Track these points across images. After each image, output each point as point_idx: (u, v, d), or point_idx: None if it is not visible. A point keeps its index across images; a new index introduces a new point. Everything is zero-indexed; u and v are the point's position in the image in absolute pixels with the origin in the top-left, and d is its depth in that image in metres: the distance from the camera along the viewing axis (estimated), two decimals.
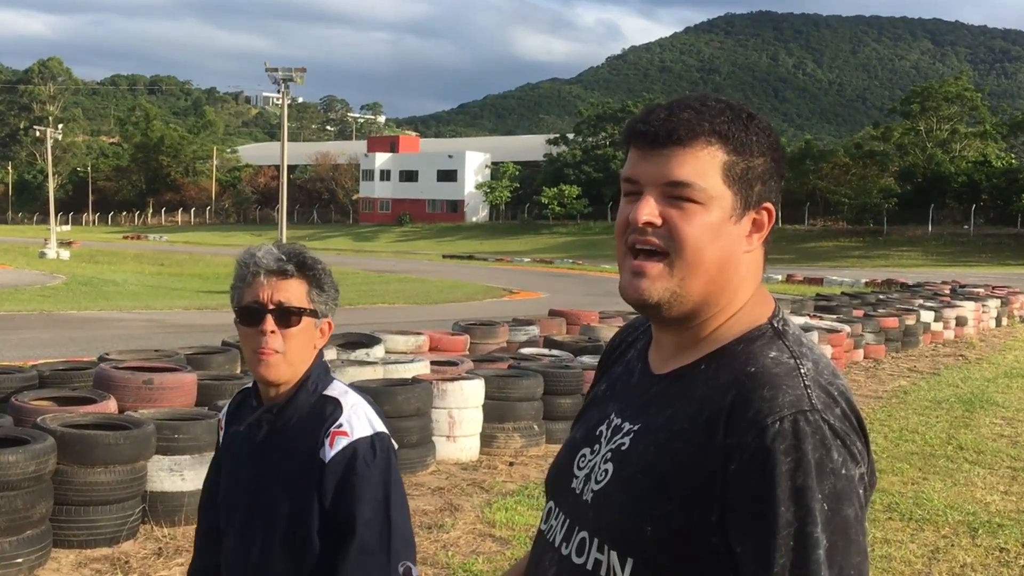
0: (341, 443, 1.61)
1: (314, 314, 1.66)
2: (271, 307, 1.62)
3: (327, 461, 1.61)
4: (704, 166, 1.08)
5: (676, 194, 1.08)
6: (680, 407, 1.09)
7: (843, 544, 0.98)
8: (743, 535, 1.00)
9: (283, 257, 1.63)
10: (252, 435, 1.70)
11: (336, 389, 1.71)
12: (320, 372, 1.70)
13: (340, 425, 1.63)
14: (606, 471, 1.12)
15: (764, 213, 1.12)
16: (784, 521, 0.97)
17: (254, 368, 1.66)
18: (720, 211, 1.08)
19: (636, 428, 1.12)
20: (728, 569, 1.02)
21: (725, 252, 1.09)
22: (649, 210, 1.08)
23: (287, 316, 1.63)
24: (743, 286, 1.12)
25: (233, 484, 1.73)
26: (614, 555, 1.07)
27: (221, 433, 1.82)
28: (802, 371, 1.05)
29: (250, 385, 1.78)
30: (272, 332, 1.62)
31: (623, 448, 1.12)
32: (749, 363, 1.07)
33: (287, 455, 1.65)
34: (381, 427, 1.66)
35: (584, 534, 1.11)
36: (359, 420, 1.64)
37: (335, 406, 1.66)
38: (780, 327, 1.12)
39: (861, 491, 1.01)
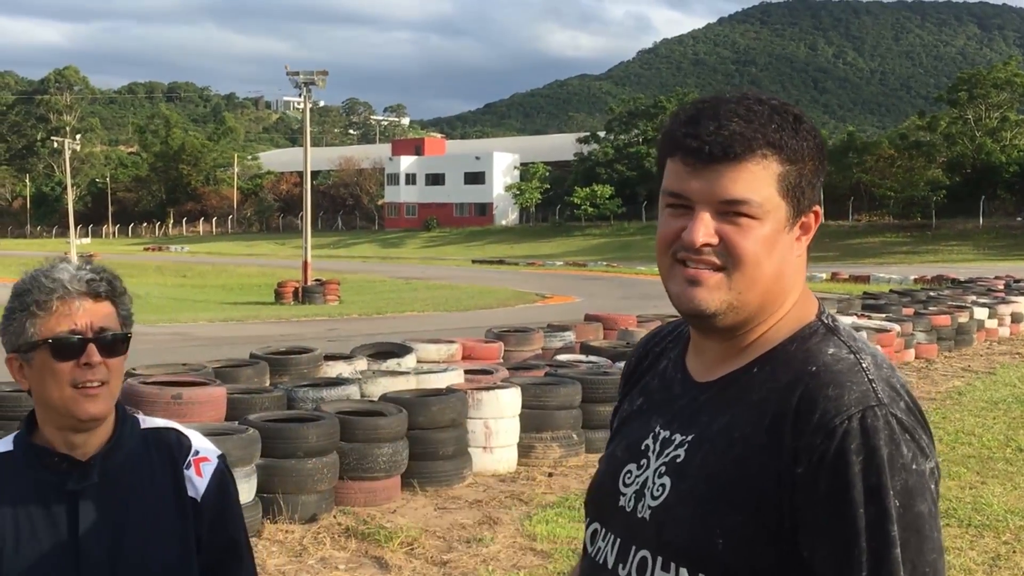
0: (208, 470, 1.48)
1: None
2: (92, 335, 1.39)
3: (201, 494, 1.46)
4: (759, 180, 1.05)
5: (732, 210, 1.05)
6: (738, 413, 1.06)
7: (916, 541, 0.96)
8: (816, 539, 0.98)
9: (95, 277, 1.41)
10: (75, 498, 1.40)
11: (153, 420, 1.54)
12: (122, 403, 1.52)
13: (198, 452, 1.49)
14: (663, 486, 1.09)
15: (812, 216, 1.11)
16: (864, 523, 0.96)
17: (76, 408, 1.37)
18: (775, 223, 1.07)
19: (690, 438, 1.09)
20: (805, 575, 0.99)
21: (780, 262, 1.08)
22: (706, 230, 1.05)
23: (112, 344, 1.40)
24: (792, 289, 1.11)
25: (52, 571, 1.38)
26: (683, 572, 1.04)
27: None
28: (863, 365, 1.03)
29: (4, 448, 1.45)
30: (99, 363, 1.38)
31: (678, 460, 1.08)
32: (809, 362, 1.05)
33: (141, 504, 1.42)
34: (216, 447, 1.57)
35: (645, 553, 1.08)
36: (206, 443, 1.53)
37: (178, 435, 1.50)
38: (831, 323, 1.10)
39: (932, 486, 1.00)
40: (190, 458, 1.48)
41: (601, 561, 1.14)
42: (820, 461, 0.98)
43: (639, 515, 1.10)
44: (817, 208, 1.11)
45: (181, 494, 1.46)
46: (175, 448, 1.48)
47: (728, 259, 1.06)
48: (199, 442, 1.52)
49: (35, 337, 1.39)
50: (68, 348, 1.38)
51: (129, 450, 1.45)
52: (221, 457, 1.53)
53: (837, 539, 0.97)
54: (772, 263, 1.07)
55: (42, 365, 1.39)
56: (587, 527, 1.20)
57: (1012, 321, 15.25)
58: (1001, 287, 18.95)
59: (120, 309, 1.44)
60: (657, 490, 1.09)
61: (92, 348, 1.38)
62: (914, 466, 0.98)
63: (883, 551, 0.95)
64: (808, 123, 1.09)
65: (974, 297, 16.09)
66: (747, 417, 1.05)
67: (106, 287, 1.42)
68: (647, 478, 1.11)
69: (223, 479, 1.50)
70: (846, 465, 0.97)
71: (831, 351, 1.05)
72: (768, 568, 1.00)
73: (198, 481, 1.47)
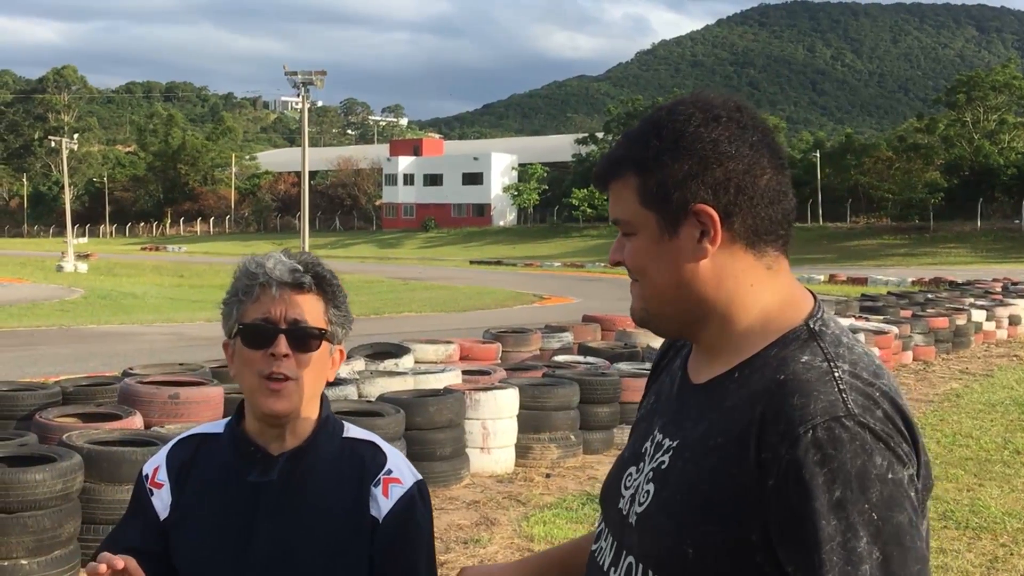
0: (396, 492, 1.42)
1: (332, 337, 1.42)
2: (285, 326, 1.36)
3: (383, 515, 1.41)
4: (623, 198, 1.10)
5: (621, 230, 1.13)
6: (713, 420, 1.05)
7: (898, 554, 0.93)
8: (792, 553, 0.96)
9: (299, 267, 1.39)
10: (257, 491, 1.40)
11: (357, 431, 1.49)
12: (331, 410, 1.48)
13: (390, 472, 1.44)
14: (648, 492, 1.08)
15: (705, 216, 1.05)
16: (826, 535, 0.93)
17: (260, 400, 1.37)
18: (648, 233, 1.08)
19: (675, 445, 1.08)
20: None
21: (674, 270, 1.07)
22: (614, 250, 1.14)
23: (304, 338, 1.37)
24: (737, 292, 1.07)
25: (221, 557, 1.40)
26: None
27: (160, 491, 1.45)
28: (836, 374, 0.99)
29: (203, 431, 1.49)
30: (286, 356, 1.36)
31: (663, 467, 1.08)
32: (779, 370, 1.02)
33: (319, 512, 1.40)
34: (417, 472, 1.51)
35: (631, 559, 1.08)
36: (405, 466, 1.47)
37: (374, 450, 1.45)
38: (816, 327, 1.06)
39: (912, 494, 0.97)
40: (380, 476, 1.43)
41: (600, 562, 1.15)
42: (786, 473, 0.95)
43: (629, 520, 1.10)
44: (697, 206, 1.04)
45: (363, 511, 1.41)
46: (368, 463, 1.44)
47: (632, 273, 1.13)
48: (396, 462, 1.46)
49: (235, 322, 1.39)
50: (258, 335, 1.36)
51: (322, 456, 1.42)
52: (419, 484, 1.46)
53: (805, 553, 0.94)
54: (661, 273, 1.08)
55: (238, 352, 1.39)
56: (597, 524, 1.22)
57: (1010, 323, 15.27)
58: (999, 289, 18.99)
59: (331, 307, 1.41)
60: (643, 496, 1.08)
61: (281, 338, 1.36)
62: (890, 475, 0.94)
63: (850, 568, 0.92)
64: (679, 123, 1.06)
65: (972, 299, 16.12)
66: (722, 425, 1.03)
67: (312, 280, 1.39)
68: (639, 483, 1.11)
69: (412, 504, 1.44)
70: (810, 477, 0.94)
71: (804, 359, 1.02)
72: None
73: (383, 502, 1.42)
